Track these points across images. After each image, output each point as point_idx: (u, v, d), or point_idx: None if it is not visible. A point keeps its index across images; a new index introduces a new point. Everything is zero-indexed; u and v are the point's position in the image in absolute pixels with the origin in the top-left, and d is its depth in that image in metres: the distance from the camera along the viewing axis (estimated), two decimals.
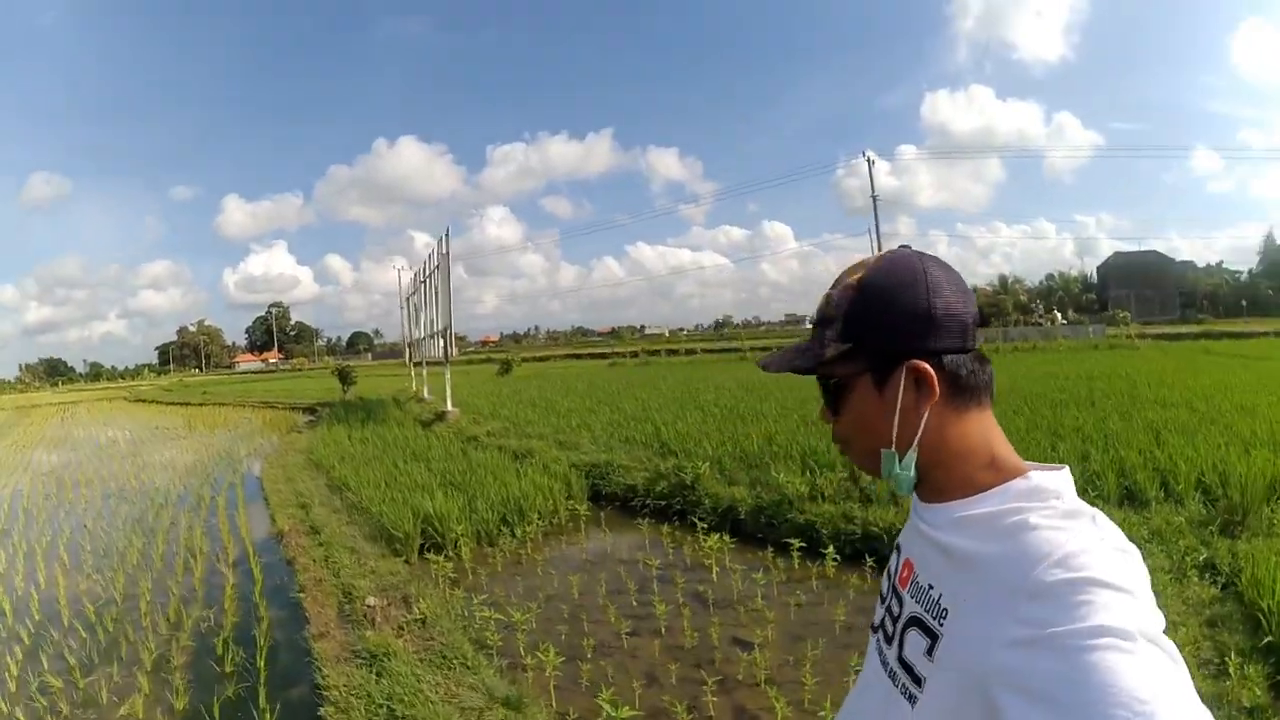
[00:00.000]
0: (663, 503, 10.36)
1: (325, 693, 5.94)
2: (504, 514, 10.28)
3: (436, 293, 23.83)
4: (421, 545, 9.87)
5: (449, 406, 21.40)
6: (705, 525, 8.79)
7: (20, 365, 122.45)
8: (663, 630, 6.45)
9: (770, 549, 8.18)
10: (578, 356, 60.38)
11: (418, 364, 32.43)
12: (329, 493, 13.68)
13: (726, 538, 7.82)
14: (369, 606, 8.08)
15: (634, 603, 7.21)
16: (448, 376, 23.20)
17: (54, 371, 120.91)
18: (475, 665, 6.30)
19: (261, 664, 6.76)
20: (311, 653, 6.92)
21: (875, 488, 8.16)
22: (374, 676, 6.05)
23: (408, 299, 35.90)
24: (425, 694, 5.69)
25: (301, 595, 8.51)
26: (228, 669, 6.83)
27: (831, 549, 7.14)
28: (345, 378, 38.14)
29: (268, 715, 5.77)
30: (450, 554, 9.40)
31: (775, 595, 6.90)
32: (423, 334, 29.05)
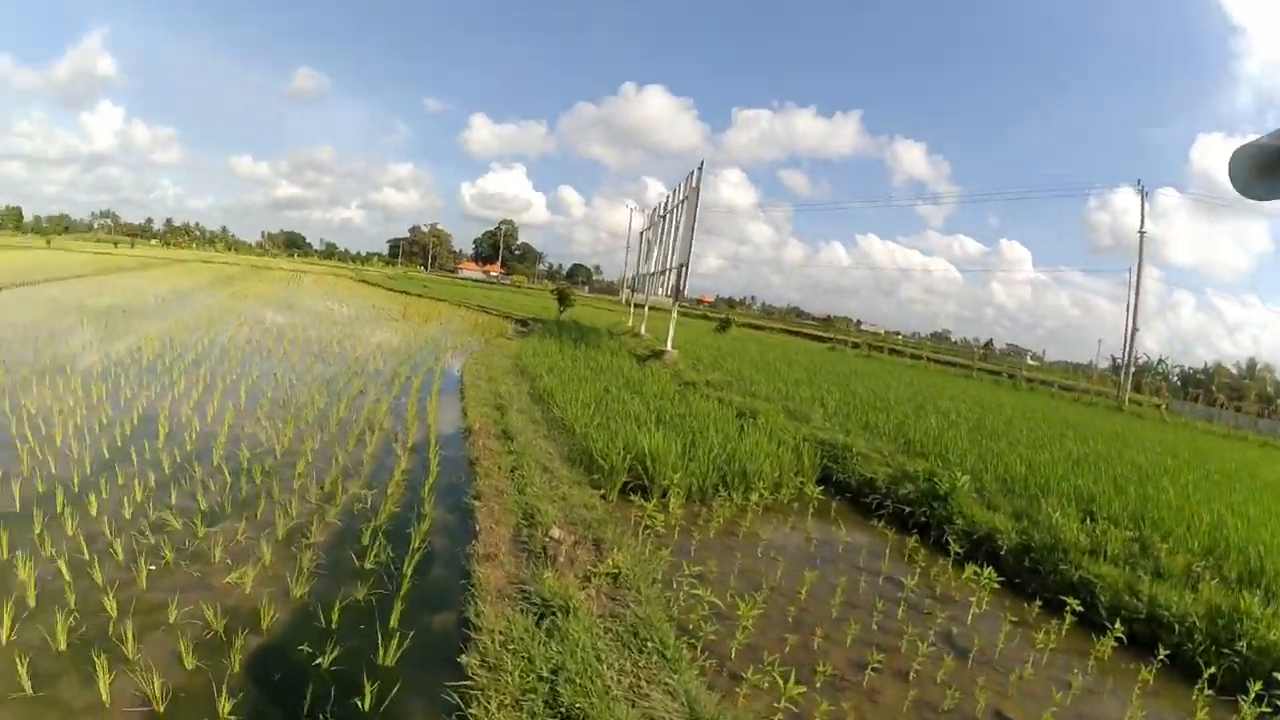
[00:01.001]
0: (905, 508, 10.50)
1: (474, 636, 5.45)
2: (724, 473, 10.23)
3: (676, 228, 26.26)
4: (626, 484, 9.76)
5: (668, 347, 22.93)
6: (958, 550, 8.98)
7: (263, 233, 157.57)
8: (911, 676, 6.25)
9: (1037, 602, 8.10)
10: (793, 333, 63.87)
11: (639, 305, 36.63)
12: (530, 402, 14.19)
13: (988, 573, 7.76)
14: (552, 539, 7.79)
15: (875, 627, 7.08)
16: (674, 314, 25.56)
17: (292, 244, 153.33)
18: (675, 659, 5.49)
19: (407, 571, 6.54)
20: (471, 576, 6.54)
21: (1170, 561, 8.30)
22: (543, 634, 5.52)
23: (641, 233, 40.62)
24: (604, 681, 5.00)
25: (476, 503, 8.35)
26: (367, 565, 6.77)
27: (1118, 626, 7.07)
28: (564, 298, 43.02)
29: (392, 646, 5.45)
30: (659, 502, 9.07)
31: (1045, 666, 6.76)
32: (652, 269, 32.57)
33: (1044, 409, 27.49)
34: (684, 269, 24.11)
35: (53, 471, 8.45)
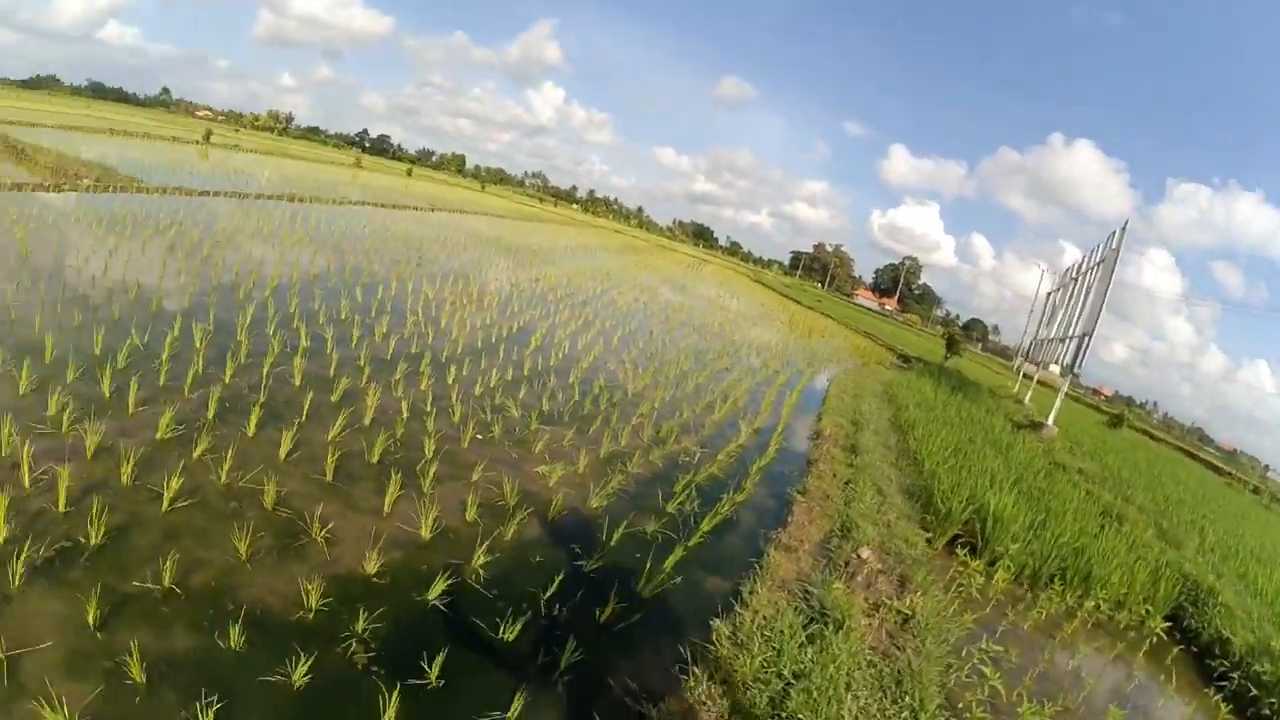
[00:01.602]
0: (1251, 689, 7.93)
1: (737, 609, 5.32)
2: (1066, 566, 8.71)
3: (1086, 293, 23.71)
4: (956, 536, 8.83)
5: (1049, 421, 20.77)
6: None
7: (675, 219, 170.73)
8: None
9: None
10: (1190, 455, 51.84)
11: (1028, 375, 34.95)
12: (887, 428, 13.43)
13: None
14: (859, 557, 7.18)
15: None
16: (1064, 388, 23.33)
17: (699, 234, 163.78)
18: None
19: (704, 527, 6.59)
20: (762, 557, 6.39)
21: None
22: (803, 637, 5.12)
23: (1047, 294, 37.59)
24: (840, 709, 4.39)
25: (798, 497, 8.13)
26: (669, 508, 6.93)
27: None
28: (952, 344, 41.38)
29: (654, 582, 5.60)
30: (985, 568, 8.15)
31: None
32: (1051, 334, 30.13)
33: None
34: (1086, 340, 21.20)
35: (428, 342, 9.98)
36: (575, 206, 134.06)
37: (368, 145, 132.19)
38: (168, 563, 4.14)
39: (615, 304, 19.29)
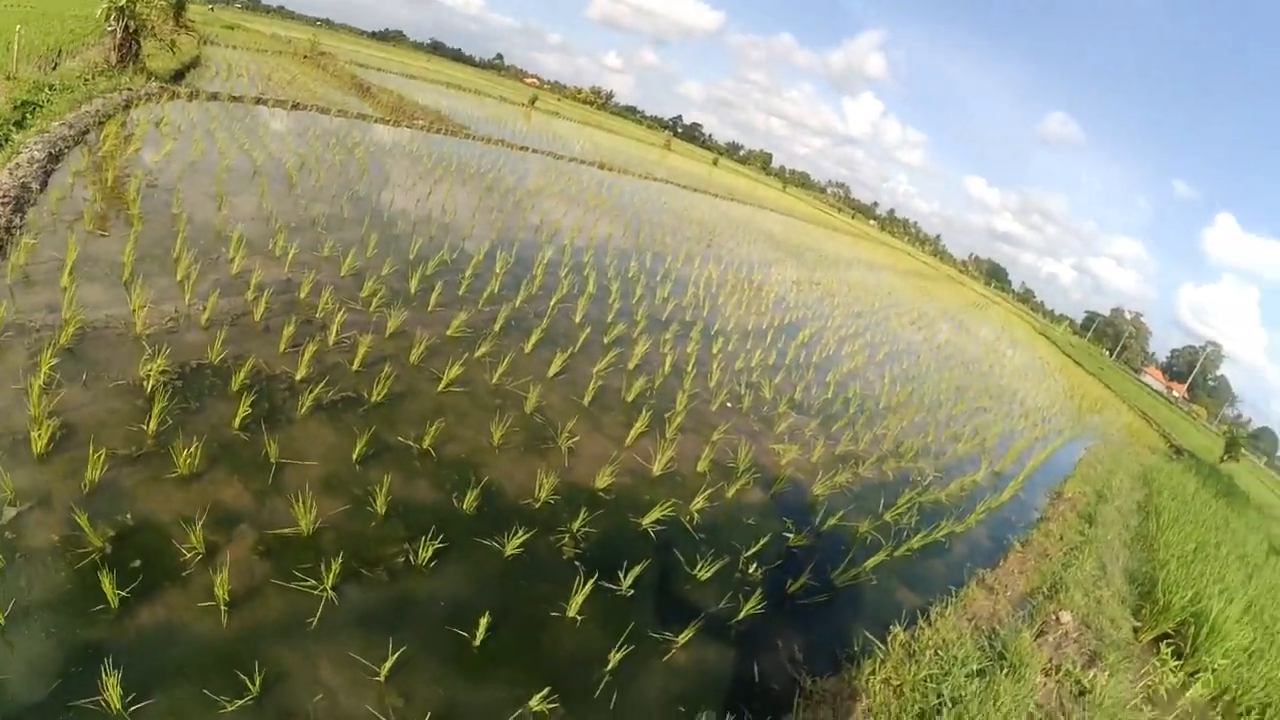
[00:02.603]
0: None
1: (920, 624, 5.58)
2: (1270, 696, 7.72)
3: None
4: (1165, 634, 8.01)
5: None
6: None
7: (971, 254, 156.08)
8: None
9: None
10: None
11: None
12: (1133, 510, 12.43)
13: None
14: (1057, 619, 7.14)
15: None
16: None
17: (993, 274, 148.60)
18: None
19: (914, 544, 6.79)
20: (961, 586, 6.49)
21: None
22: (974, 667, 5.28)
23: None
24: None
25: (1016, 546, 8.15)
26: (888, 517, 7.17)
27: None
28: (1232, 446, 36.20)
29: (848, 575, 5.95)
30: (1185, 674, 7.56)
31: None
32: None
33: None
34: None
35: (703, 314, 10.98)
36: (872, 223, 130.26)
37: (679, 130, 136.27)
38: (430, 430, 5.06)
39: (888, 323, 19.12)
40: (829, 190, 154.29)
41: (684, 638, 4.33)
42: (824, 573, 5.80)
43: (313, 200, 9.71)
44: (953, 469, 9.74)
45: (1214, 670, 7.58)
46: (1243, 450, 40.81)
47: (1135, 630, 7.93)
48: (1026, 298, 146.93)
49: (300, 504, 4.00)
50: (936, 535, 7.30)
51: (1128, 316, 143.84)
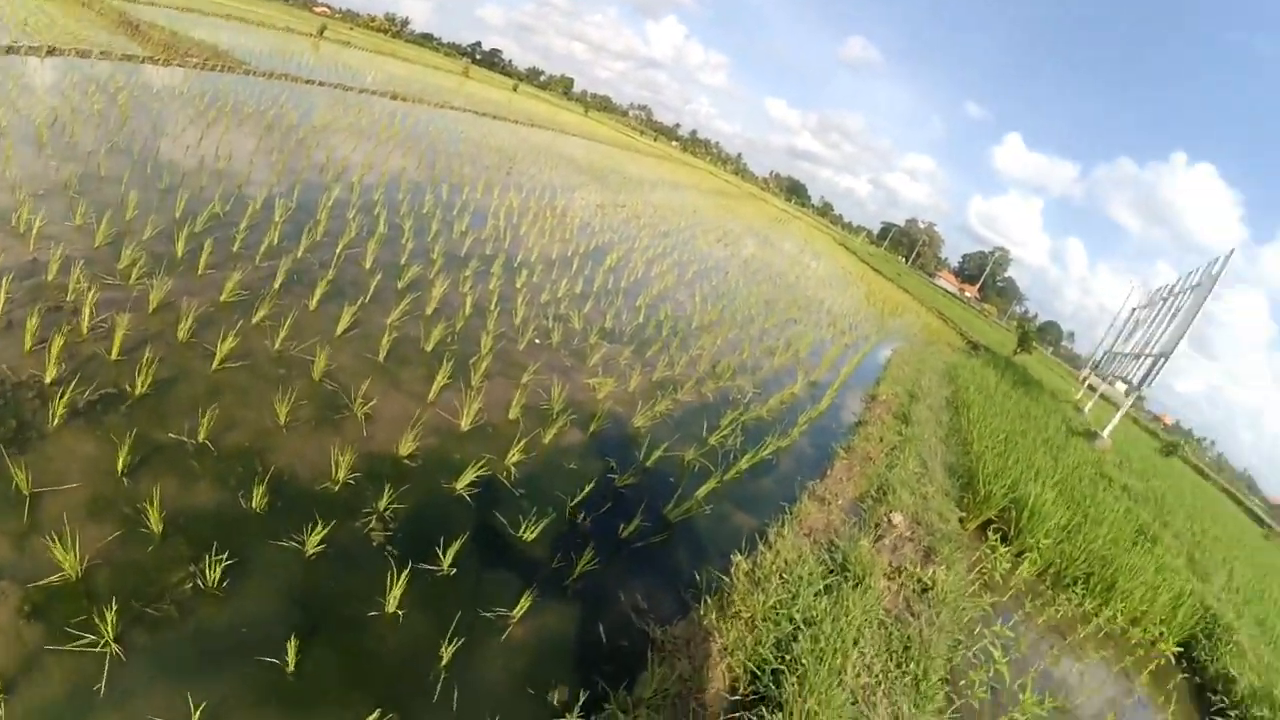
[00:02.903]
0: None
1: (761, 548, 5.24)
2: (1091, 572, 8.49)
3: (1173, 314, 23.13)
4: (989, 521, 8.62)
5: (1104, 435, 20.01)
6: None
7: (771, 171, 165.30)
8: None
9: None
10: (1237, 501, 50.52)
11: (1091, 387, 35.29)
12: (943, 406, 13.08)
13: None
14: (890, 521, 7.09)
15: None
16: (1128, 403, 23.18)
17: (793, 190, 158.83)
18: (925, 699, 4.56)
19: (742, 465, 6.49)
20: (794, 504, 6.32)
21: None
22: (820, 585, 5.03)
23: (1134, 309, 36.80)
24: (844, 662, 4.36)
25: (841, 454, 8.02)
26: (711, 439, 6.82)
27: None
28: (1024, 340, 40.17)
29: (681, 509, 5.57)
30: (1012, 557, 7.95)
31: None
32: (1128, 350, 29.70)
33: None
34: (1162, 361, 20.28)
35: (504, 246, 10.03)
36: (675, 144, 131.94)
37: (479, 58, 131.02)
38: (206, 419, 4.18)
39: (694, 241, 19.00)
40: (631, 113, 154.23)
41: (519, 610, 3.83)
42: (656, 510, 5.40)
43: (65, 160, 7.86)
44: (770, 384, 9.64)
45: (1039, 549, 7.91)
46: (1033, 343, 45.37)
47: (961, 520, 8.10)
48: (826, 211, 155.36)
49: (59, 542, 3.11)
50: (763, 453, 7.08)
51: (921, 226, 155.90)
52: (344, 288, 6.82)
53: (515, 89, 75.54)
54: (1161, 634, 8.64)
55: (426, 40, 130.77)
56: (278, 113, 14.00)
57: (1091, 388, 35.60)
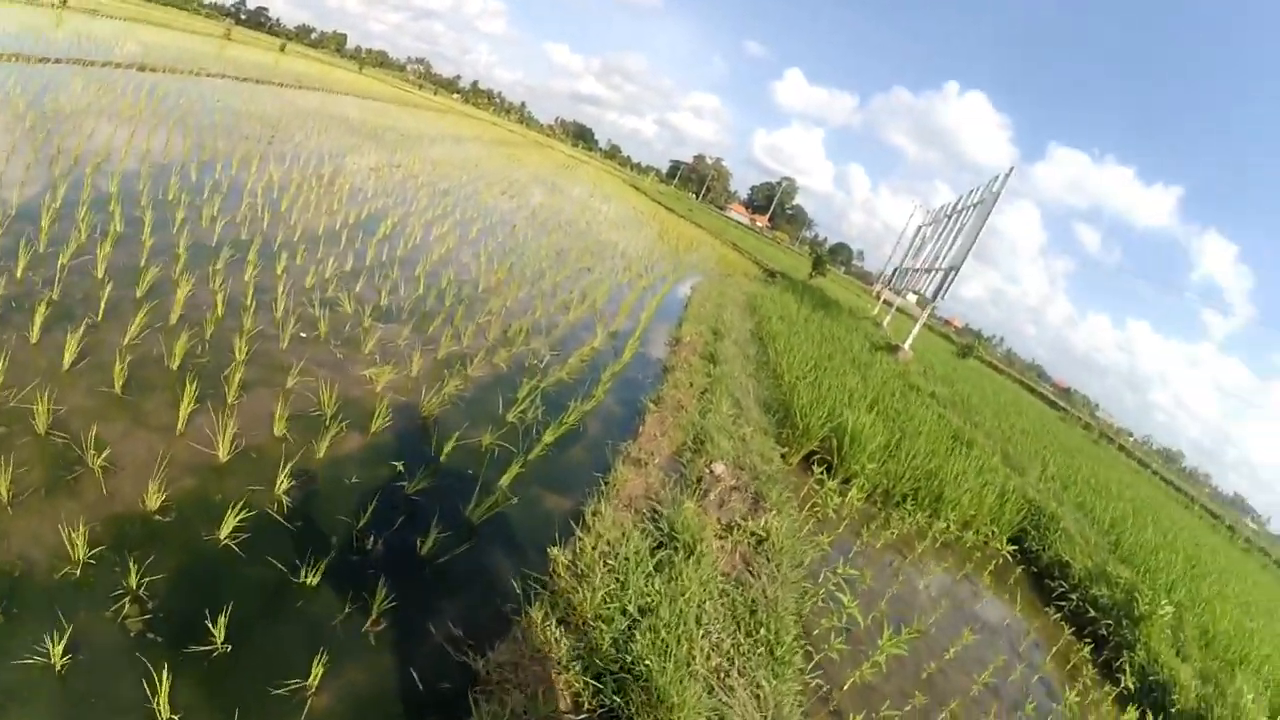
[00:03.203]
0: (1089, 611, 8.47)
1: (579, 534, 4.71)
2: (920, 486, 8.79)
3: (958, 229, 24.56)
4: (812, 453, 8.66)
5: (906, 345, 21.64)
6: (1130, 686, 7.15)
7: (557, 118, 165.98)
8: None
9: None
10: (1029, 389, 58.79)
11: (888, 301, 36.76)
12: (749, 339, 13.14)
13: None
14: (712, 473, 6.77)
15: None
16: (925, 315, 24.16)
17: (580, 135, 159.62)
18: (783, 663, 4.22)
19: (546, 439, 5.92)
20: (609, 473, 5.79)
21: None
22: (650, 566, 4.51)
23: (919, 227, 39.09)
24: (691, 648, 3.92)
25: (651, 407, 7.62)
26: (509, 417, 6.22)
27: None
28: (819, 263, 42.51)
29: (484, 506, 4.91)
30: (840, 486, 7.90)
31: None
32: (918, 265, 31.08)
33: (1258, 576, 22.12)
34: (953, 274, 21.87)
35: (262, 227, 8.68)
36: (456, 96, 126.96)
37: (243, 18, 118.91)
38: None
39: (478, 196, 17.92)
40: (409, 67, 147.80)
41: (315, 677, 3.09)
42: (457, 513, 4.72)
43: None
44: (569, 341, 9.13)
45: (864, 474, 7.96)
46: (827, 265, 47.90)
47: (784, 457, 8.01)
48: (614, 154, 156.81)
49: None
50: (569, 421, 6.59)
51: (709, 162, 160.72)
52: (72, 307, 5.40)
53: (283, 49, 68.99)
54: (993, 533, 9.10)
55: (186, 1, 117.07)
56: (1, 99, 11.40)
57: (887, 303, 37.85)
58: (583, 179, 45.78)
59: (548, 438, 5.98)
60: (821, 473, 7.88)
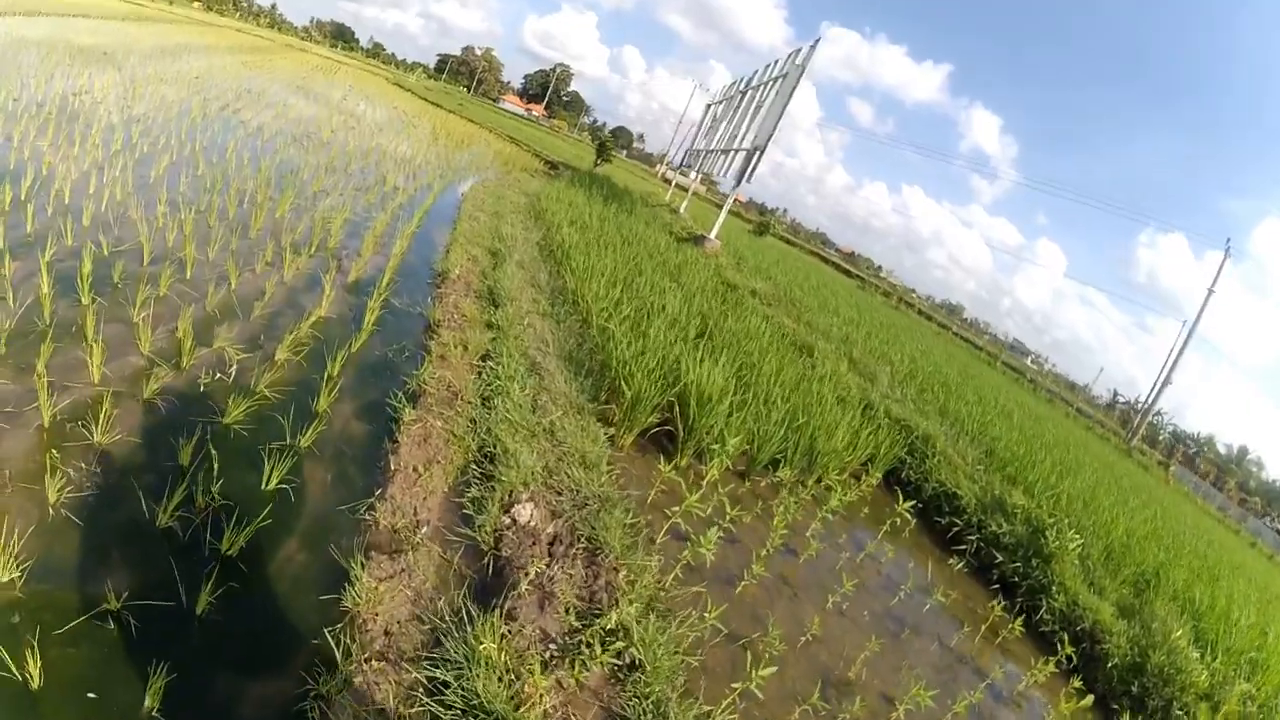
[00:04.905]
0: (992, 554, 7.14)
1: None
2: (785, 442, 6.56)
3: (757, 107, 22.75)
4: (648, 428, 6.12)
5: (711, 235, 19.57)
6: (1054, 632, 6.25)
7: (312, 19, 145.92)
8: None
9: None
10: (819, 257, 61.68)
11: (680, 186, 36.03)
12: (538, 256, 10.34)
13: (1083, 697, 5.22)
14: (516, 523, 4.20)
15: None
16: (731, 199, 22.57)
17: (339, 35, 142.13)
18: None
19: (225, 548, 3.21)
20: (343, 583, 3.22)
21: None
22: None
23: (707, 106, 37.06)
24: None
25: (405, 412, 4.76)
26: (160, 522, 3.25)
27: None
28: (603, 150, 39.28)
29: None
30: (690, 464, 5.89)
31: None
32: (714, 146, 29.16)
33: (1075, 436, 23.19)
34: (758, 154, 19.92)
35: None
36: (196, 5, 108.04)
37: None
38: None
39: (189, 115, 13.16)
40: None
41: None
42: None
43: None
44: (280, 319, 5.93)
45: (725, 450, 5.44)
46: (611, 151, 44.43)
47: (612, 439, 5.53)
48: (378, 52, 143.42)
49: None
50: (269, 485, 3.82)
51: (478, 53, 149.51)
52: None
53: None
54: (867, 471, 7.27)
55: None
56: None
57: (681, 187, 36.24)
58: (339, 82, 39.29)
59: (227, 547, 3.14)
60: (668, 469, 5.30)
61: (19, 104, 9.74)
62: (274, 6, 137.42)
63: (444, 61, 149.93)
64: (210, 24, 62.81)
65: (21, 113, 9.20)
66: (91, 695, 2.49)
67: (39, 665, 2.43)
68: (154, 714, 2.48)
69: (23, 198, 6.31)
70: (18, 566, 2.77)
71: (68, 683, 2.50)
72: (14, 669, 2.42)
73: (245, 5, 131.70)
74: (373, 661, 2.91)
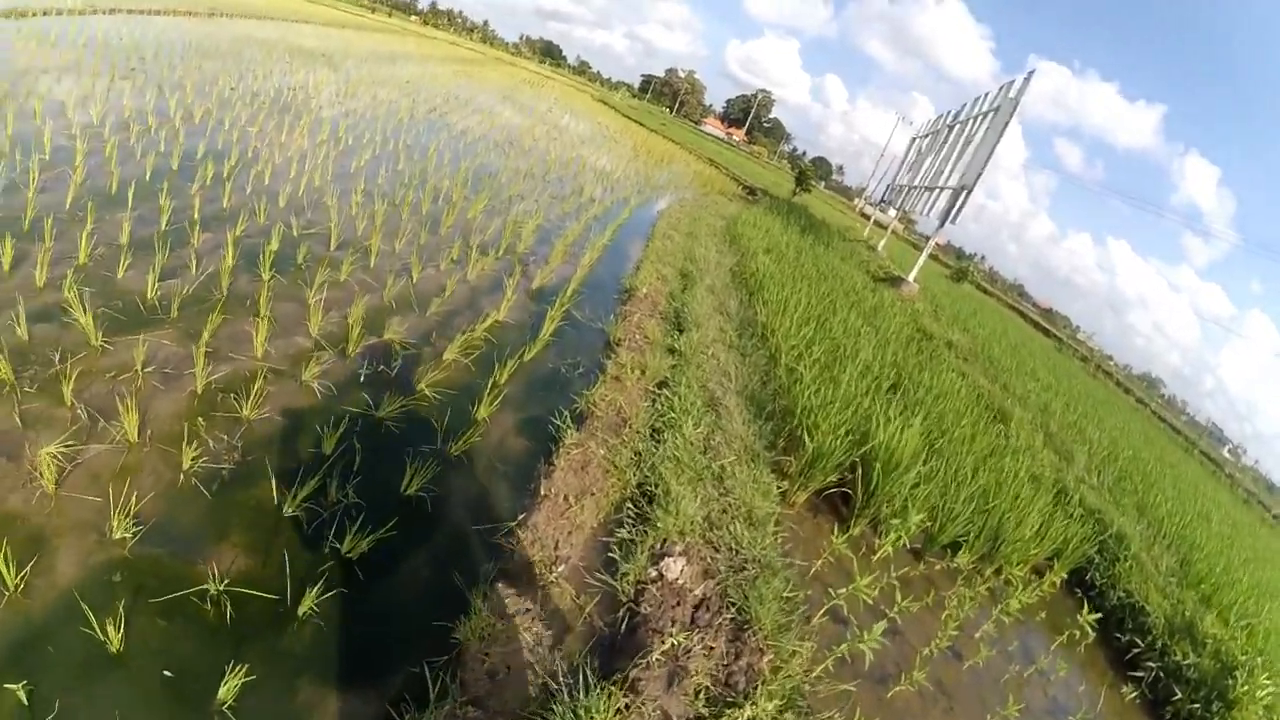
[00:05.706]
0: (1172, 686, 5.77)
1: None
2: (970, 520, 5.75)
3: (967, 143, 21.35)
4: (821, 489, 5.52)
5: (909, 278, 18.56)
6: None
7: (522, 35, 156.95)
8: None
9: None
10: (1014, 310, 57.00)
11: (880, 224, 34.68)
12: (729, 281, 9.94)
13: None
14: (661, 577, 3.81)
15: None
16: (933, 241, 21.57)
17: (547, 52, 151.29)
18: None
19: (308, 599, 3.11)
20: (460, 616, 3.01)
21: None
22: None
23: (913, 139, 35.29)
24: None
25: (567, 434, 4.53)
26: (286, 510, 3.23)
27: None
28: (802, 179, 38.35)
29: None
30: (863, 530, 5.24)
31: None
32: (917, 182, 27.73)
33: (1276, 548, 19.48)
34: (966, 193, 18.56)
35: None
36: (414, 19, 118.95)
37: None
38: None
39: (396, 115, 14.16)
40: None
41: None
42: None
43: None
44: (453, 321, 5.87)
45: (906, 526, 4.75)
46: (811, 180, 43.73)
47: (784, 495, 5.01)
48: (584, 70, 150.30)
49: None
50: (421, 472, 3.69)
51: (682, 75, 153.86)
52: None
53: None
54: (1051, 567, 6.28)
55: None
56: None
57: (880, 224, 35.06)
58: (546, 95, 41.36)
59: (349, 553, 2.99)
60: (840, 541, 4.70)
61: (235, 93, 10.71)
62: (486, 23, 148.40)
63: (648, 82, 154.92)
64: (427, 36, 68.34)
65: (236, 101, 10.09)
66: (167, 673, 2.41)
67: (121, 631, 2.40)
68: (223, 708, 2.36)
69: (225, 176, 6.77)
70: (132, 526, 2.76)
71: (147, 655, 2.46)
72: (97, 628, 2.38)
73: (460, 20, 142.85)
74: (469, 709, 2.61)
